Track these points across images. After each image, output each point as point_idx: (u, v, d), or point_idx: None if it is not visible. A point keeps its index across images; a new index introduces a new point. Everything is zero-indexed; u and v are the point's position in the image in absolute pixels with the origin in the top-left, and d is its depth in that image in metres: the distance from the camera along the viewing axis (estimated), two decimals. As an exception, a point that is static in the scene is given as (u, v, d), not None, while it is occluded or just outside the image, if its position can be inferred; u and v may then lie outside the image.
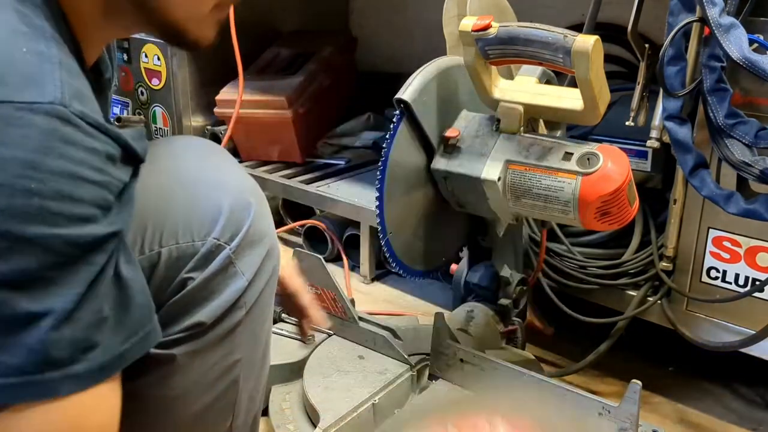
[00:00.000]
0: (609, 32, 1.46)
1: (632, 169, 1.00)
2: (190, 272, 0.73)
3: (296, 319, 1.04)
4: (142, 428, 0.76)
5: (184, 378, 0.75)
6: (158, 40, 1.90)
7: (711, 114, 1.02)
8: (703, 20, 0.98)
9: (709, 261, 1.23)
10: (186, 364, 0.74)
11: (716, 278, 1.23)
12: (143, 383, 0.73)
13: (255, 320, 0.79)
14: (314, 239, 1.91)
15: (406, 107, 1.07)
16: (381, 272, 1.81)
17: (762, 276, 1.17)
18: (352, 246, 1.83)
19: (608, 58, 1.00)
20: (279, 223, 1.97)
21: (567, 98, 1.03)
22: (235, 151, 2.01)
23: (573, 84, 1.01)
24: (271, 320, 0.84)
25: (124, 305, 0.61)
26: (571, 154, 1.00)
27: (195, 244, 0.73)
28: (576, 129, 1.46)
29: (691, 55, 1.08)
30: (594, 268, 1.38)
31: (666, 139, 1.13)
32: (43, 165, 0.53)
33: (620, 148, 1.02)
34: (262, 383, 0.86)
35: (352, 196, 1.76)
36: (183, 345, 0.74)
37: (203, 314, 0.74)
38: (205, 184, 0.76)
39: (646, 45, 1.18)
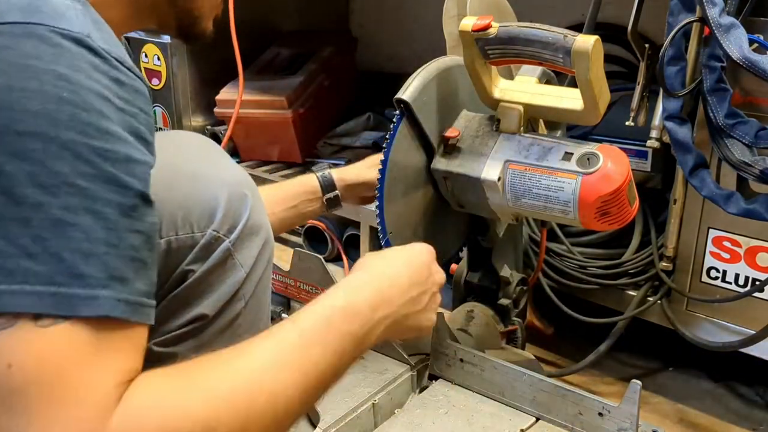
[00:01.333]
0: (609, 32, 1.46)
1: (632, 169, 1.00)
2: (190, 264, 0.74)
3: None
4: None
5: None
6: (158, 40, 1.91)
7: (711, 114, 1.02)
8: (703, 20, 0.98)
9: (709, 261, 1.23)
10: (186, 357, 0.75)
11: (716, 278, 1.23)
12: None
13: (254, 311, 0.80)
14: (314, 239, 1.91)
15: (406, 107, 1.07)
16: (381, 272, 1.81)
17: (762, 276, 1.17)
18: (352, 246, 1.83)
19: (608, 58, 1.00)
20: (279, 223, 1.96)
21: (567, 98, 1.03)
22: (235, 151, 2.01)
23: (573, 84, 1.01)
24: (269, 310, 0.85)
25: (154, 260, 0.60)
26: (571, 154, 1.00)
27: (195, 235, 0.74)
28: (576, 129, 1.46)
29: (691, 55, 1.08)
30: (594, 268, 1.38)
31: (666, 139, 1.13)
32: (74, 79, 0.55)
33: (620, 148, 1.01)
34: None
35: (352, 196, 1.76)
36: (185, 342, 0.75)
37: (205, 306, 0.75)
38: (201, 176, 0.78)
39: (646, 45, 1.18)
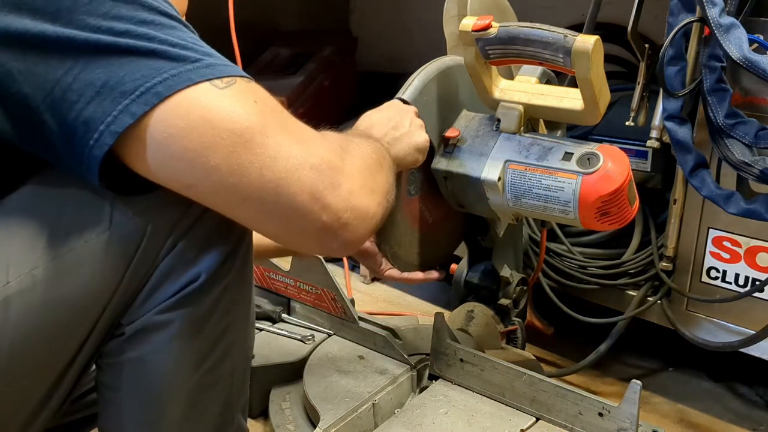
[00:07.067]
0: (609, 32, 1.46)
1: (632, 169, 1.00)
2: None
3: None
4: (143, 398, 0.76)
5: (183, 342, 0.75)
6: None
7: (711, 114, 1.02)
8: (703, 20, 0.98)
9: (709, 261, 1.23)
10: (183, 328, 0.74)
11: (716, 278, 1.23)
12: (143, 352, 0.74)
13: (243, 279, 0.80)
14: (314, 239, 1.90)
15: (406, 107, 1.07)
16: (381, 272, 1.81)
17: (762, 276, 1.17)
18: (352, 246, 1.82)
19: (608, 58, 1.00)
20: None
21: (567, 98, 1.03)
22: (235, 151, 2.01)
23: (573, 84, 1.01)
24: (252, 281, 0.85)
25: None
26: (571, 154, 1.00)
27: None
28: (576, 129, 1.46)
29: (691, 55, 1.08)
30: (594, 268, 1.38)
31: (666, 139, 1.13)
32: None
33: (620, 148, 1.01)
34: (251, 341, 0.87)
35: (352, 196, 1.75)
36: (180, 309, 0.74)
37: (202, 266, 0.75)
38: None
39: (646, 45, 1.18)
